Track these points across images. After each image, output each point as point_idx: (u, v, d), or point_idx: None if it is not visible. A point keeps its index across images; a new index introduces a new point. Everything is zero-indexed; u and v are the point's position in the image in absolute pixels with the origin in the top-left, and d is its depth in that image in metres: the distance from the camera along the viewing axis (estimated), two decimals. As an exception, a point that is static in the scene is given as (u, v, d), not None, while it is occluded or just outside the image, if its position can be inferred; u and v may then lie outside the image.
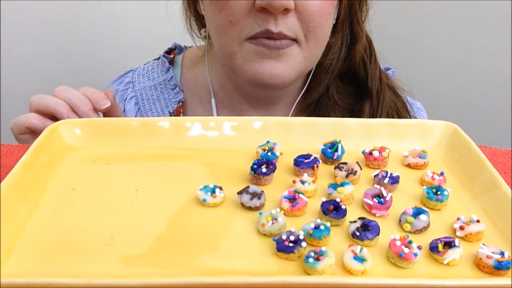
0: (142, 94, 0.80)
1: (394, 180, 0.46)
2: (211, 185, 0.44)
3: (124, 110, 0.80)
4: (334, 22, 0.70)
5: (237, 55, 0.65)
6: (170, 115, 0.78)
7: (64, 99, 0.61)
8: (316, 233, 0.38)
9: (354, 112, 0.75)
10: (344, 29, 0.71)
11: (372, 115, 0.73)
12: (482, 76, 1.54)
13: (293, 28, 0.61)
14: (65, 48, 1.33)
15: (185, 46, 0.87)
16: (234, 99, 0.76)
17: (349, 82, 0.76)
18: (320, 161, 0.50)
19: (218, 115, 0.77)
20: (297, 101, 0.76)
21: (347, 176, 0.47)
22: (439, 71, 1.58)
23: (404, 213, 0.41)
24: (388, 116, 0.74)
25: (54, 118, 0.60)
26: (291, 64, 0.64)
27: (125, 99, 0.81)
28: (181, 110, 0.78)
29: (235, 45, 0.64)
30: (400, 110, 0.77)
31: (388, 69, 0.82)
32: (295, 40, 0.63)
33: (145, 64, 0.85)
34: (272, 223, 0.39)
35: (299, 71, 0.66)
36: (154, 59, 0.85)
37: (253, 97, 0.75)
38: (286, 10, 0.59)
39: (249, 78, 0.66)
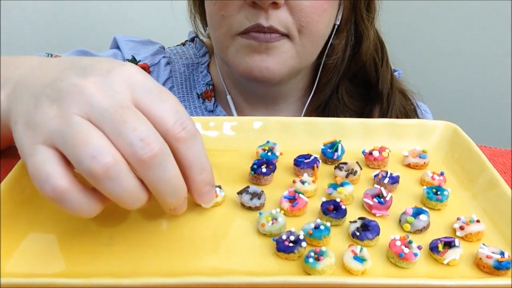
0: (175, 66, 0.78)
1: (394, 180, 0.46)
2: None
3: (157, 63, 0.76)
4: (338, 23, 0.70)
5: (229, 49, 0.66)
6: (198, 97, 0.77)
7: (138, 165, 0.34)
8: (316, 233, 0.38)
9: (364, 114, 0.74)
10: (348, 28, 0.71)
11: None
12: (482, 76, 1.54)
13: (285, 23, 0.61)
14: (67, 44, 1.33)
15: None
16: (235, 97, 0.76)
17: (359, 84, 0.76)
18: (320, 161, 0.50)
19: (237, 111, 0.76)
20: (307, 103, 0.76)
21: (347, 176, 0.47)
22: (439, 71, 1.58)
23: (404, 213, 0.41)
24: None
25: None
26: (282, 58, 0.64)
27: (157, 63, 0.77)
28: (213, 94, 0.76)
29: (227, 39, 0.65)
30: (409, 114, 0.77)
31: (395, 71, 0.81)
32: (286, 36, 0.63)
33: (168, 48, 0.83)
34: (272, 223, 0.39)
35: (290, 66, 0.66)
36: (177, 45, 0.83)
37: (253, 95, 0.74)
38: (276, 5, 0.59)
39: (240, 72, 0.66)
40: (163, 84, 0.76)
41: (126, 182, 0.33)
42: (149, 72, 0.75)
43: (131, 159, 0.33)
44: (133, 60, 0.75)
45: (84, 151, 0.32)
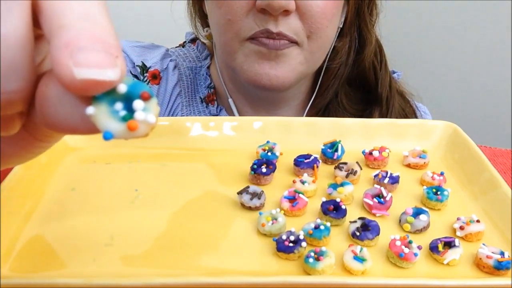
0: (181, 69, 0.77)
1: (394, 180, 0.46)
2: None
3: (166, 68, 0.74)
4: (341, 26, 0.69)
5: (238, 54, 0.65)
6: (202, 102, 0.76)
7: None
8: (316, 233, 0.38)
9: (363, 118, 0.74)
10: (352, 32, 0.71)
11: None
12: (482, 77, 1.54)
13: (294, 28, 0.61)
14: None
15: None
16: (237, 101, 0.76)
17: (358, 88, 0.76)
18: (320, 161, 0.50)
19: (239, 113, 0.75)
20: (308, 107, 0.75)
21: (347, 176, 0.47)
22: (439, 71, 1.58)
23: (404, 213, 0.41)
24: None
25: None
26: (291, 66, 0.64)
27: (166, 68, 0.75)
28: (215, 98, 0.76)
29: (236, 44, 0.64)
30: (408, 116, 0.76)
31: (394, 72, 0.81)
32: (295, 42, 0.62)
33: (171, 49, 0.81)
34: (272, 223, 0.39)
35: (299, 72, 0.66)
36: (176, 47, 0.82)
37: (255, 98, 0.74)
38: (287, 12, 0.59)
39: (248, 79, 0.66)
40: (172, 89, 0.75)
41: None
42: (160, 78, 0.74)
43: None
44: (144, 67, 0.74)
45: None
